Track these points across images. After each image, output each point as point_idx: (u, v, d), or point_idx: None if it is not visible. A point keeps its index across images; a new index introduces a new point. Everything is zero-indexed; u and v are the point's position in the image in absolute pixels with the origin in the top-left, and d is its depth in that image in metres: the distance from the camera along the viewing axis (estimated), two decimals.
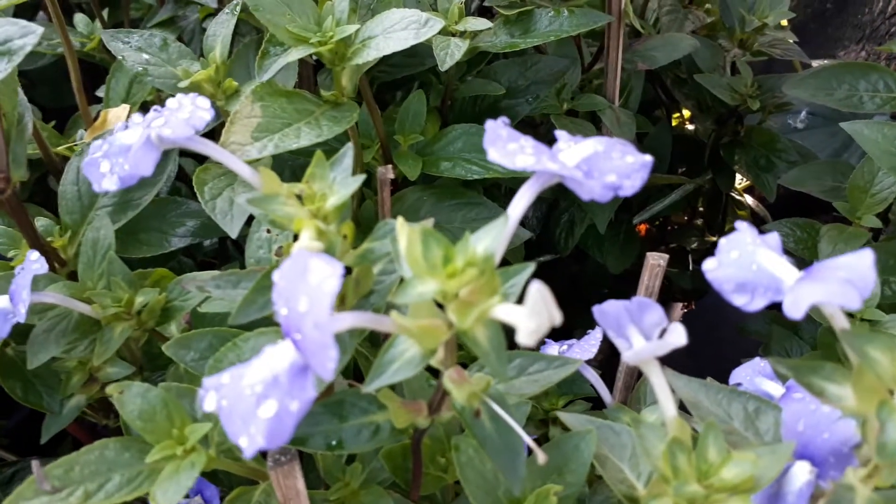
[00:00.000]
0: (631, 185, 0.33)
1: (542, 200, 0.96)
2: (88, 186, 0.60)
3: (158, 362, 0.65)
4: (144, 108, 0.72)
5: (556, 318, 0.27)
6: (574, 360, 0.45)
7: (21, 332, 0.58)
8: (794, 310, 0.32)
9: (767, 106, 0.99)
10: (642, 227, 1.28)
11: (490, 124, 0.33)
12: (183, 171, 0.85)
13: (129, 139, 0.35)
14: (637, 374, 0.65)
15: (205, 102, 0.35)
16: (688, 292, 1.25)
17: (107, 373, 0.60)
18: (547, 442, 0.49)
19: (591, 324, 0.45)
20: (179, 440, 0.40)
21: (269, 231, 0.48)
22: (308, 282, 0.29)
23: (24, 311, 0.44)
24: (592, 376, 0.56)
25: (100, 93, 0.73)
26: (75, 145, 0.68)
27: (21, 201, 0.53)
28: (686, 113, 1.27)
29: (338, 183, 0.39)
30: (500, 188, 0.92)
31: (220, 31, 0.52)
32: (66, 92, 0.98)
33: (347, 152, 0.39)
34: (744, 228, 0.36)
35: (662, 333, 0.36)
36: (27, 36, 0.36)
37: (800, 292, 0.32)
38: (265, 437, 0.27)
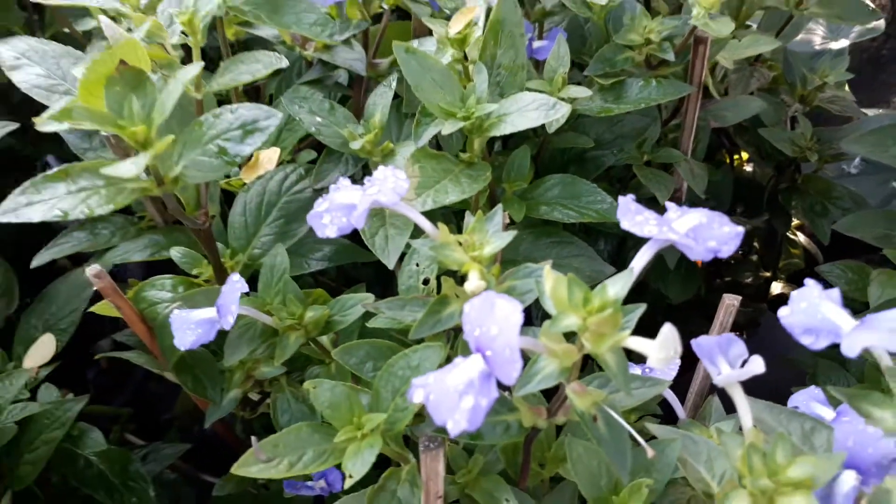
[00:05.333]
0: (727, 250, 0.44)
1: (612, 236, 1.07)
2: (254, 218, 0.73)
3: (296, 364, 0.77)
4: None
5: (679, 350, 0.38)
6: (664, 380, 0.56)
7: None
8: (850, 350, 0.43)
9: (824, 156, 1.08)
10: (698, 261, 1.37)
11: (622, 200, 0.44)
12: None
13: (347, 199, 0.48)
14: (704, 396, 0.75)
15: (402, 174, 0.47)
16: (740, 325, 1.34)
17: (262, 372, 0.72)
18: None
19: None
20: (357, 426, 0.52)
21: (417, 265, 0.61)
22: (496, 315, 0.40)
23: (232, 321, 0.57)
24: (670, 395, 0.66)
25: None
26: (232, 181, 0.81)
27: (211, 230, 0.66)
28: (745, 155, 1.36)
29: (492, 235, 0.51)
30: (574, 226, 1.04)
31: (380, 101, 0.64)
32: None
33: (498, 212, 0.51)
34: (811, 284, 0.47)
35: (744, 363, 0.47)
36: (271, 118, 0.49)
37: (855, 337, 0.42)
38: (468, 422, 0.39)
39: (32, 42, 0.57)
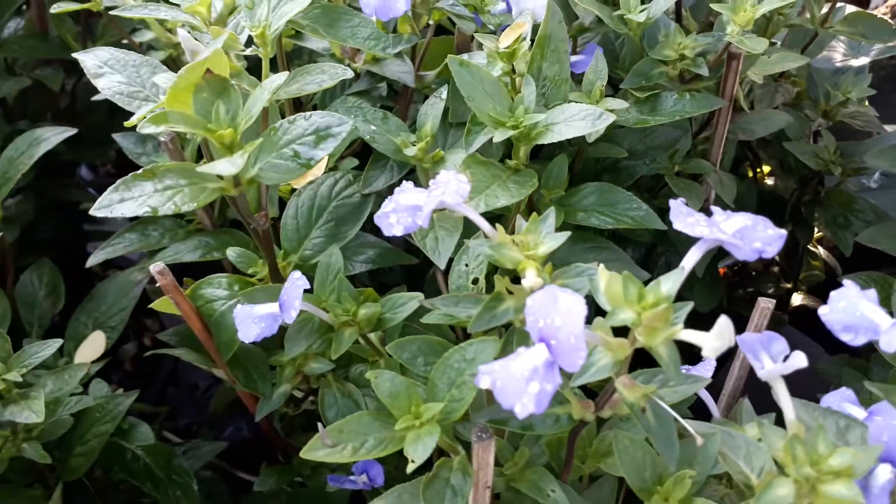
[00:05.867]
0: (771, 251, 0.47)
1: (640, 244, 1.10)
2: (305, 221, 0.77)
3: (341, 361, 0.81)
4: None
5: (733, 341, 0.41)
6: (703, 378, 0.59)
7: None
8: (889, 346, 0.45)
9: (846, 169, 1.11)
10: (721, 271, 1.40)
11: (674, 203, 0.47)
12: None
13: (411, 200, 0.51)
14: (736, 398, 0.77)
15: (464, 178, 0.51)
16: None
17: (310, 367, 0.76)
18: None
19: None
20: (416, 415, 0.55)
21: (466, 265, 0.64)
22: (559, 307, 0.43)
23: (295, 315, 0.60)
24: (705, 395, 0.69)
25: None
26: (281, 187, 0.85)
27: (269, 231, 0.70)
28: (766, 169, 1.39)
29: (545, 236, 0.54)
30: (603, 232, 1.07)
31: (431, 111, 0.68)
32: None
33: (551, 214, 0.55)
34: (849, 285, 0.50)
35: (785, 358, 0.50)
36: (342, 125, 0.52)
37: (894, 333, 0.45)
38: (535, 405, 0.42)
39: (114, 51, 0.61)
